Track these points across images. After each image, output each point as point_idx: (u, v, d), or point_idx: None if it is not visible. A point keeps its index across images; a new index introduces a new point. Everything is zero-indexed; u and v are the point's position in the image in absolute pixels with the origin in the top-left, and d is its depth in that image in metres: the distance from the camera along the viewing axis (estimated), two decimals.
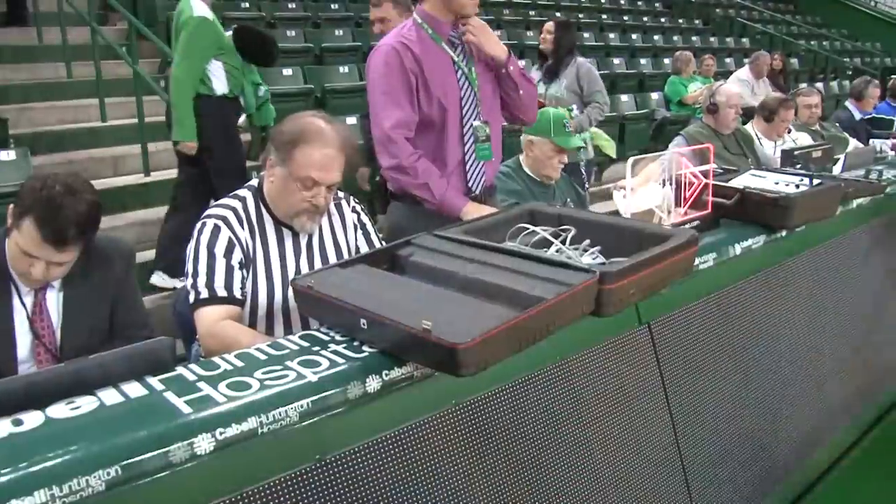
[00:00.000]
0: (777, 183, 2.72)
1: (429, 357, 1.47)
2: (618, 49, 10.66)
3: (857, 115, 6.73)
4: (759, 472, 2.47)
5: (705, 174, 2.52)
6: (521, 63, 3.16)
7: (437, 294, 1.71)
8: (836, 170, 3.90)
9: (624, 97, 8.51)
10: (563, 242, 2.07)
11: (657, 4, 15.02)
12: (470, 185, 2.80)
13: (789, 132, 5.46)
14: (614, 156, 6.02)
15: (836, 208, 2.76)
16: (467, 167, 2.79)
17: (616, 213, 2.36)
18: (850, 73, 13.27)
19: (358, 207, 2.55)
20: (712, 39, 13.43)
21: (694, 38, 12.95)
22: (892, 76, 10.33)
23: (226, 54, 4.72)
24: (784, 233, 2.61)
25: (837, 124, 6.34)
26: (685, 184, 2.45)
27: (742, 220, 2.61)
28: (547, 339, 1.59)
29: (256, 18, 8.59)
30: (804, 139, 5.59)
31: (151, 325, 2.50)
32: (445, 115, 2.73)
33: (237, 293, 2.20)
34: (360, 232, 2.52)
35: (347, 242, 2.49)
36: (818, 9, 18.33)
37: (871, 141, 5.58)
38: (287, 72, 7.34)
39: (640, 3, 14.77)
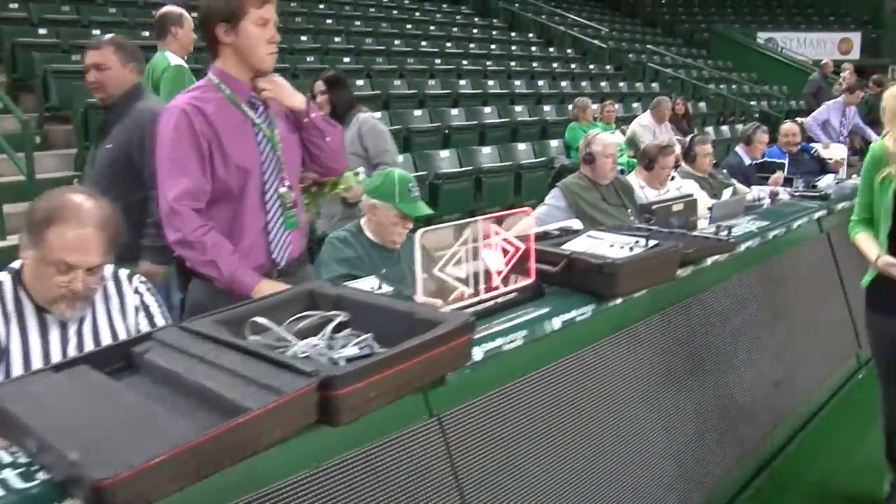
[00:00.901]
0: (612, 246, 2.51)
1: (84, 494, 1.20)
2: (524, 96, 10.60)
3: (747, 160, 6.65)
4: None
5: (525, 240, 2.31)
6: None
7: (141, 406, 1.44)
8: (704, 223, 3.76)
9: (521, 146, 8.40)
10: (337, 329, 1.82)
11: (569, 51, 15.10)
12: (274, 256, 2.53)
13: (672, 179, 5.33)
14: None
15: (673, 272, 2.55)
16: (271, 237, 2.52)
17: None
18: (757, 115, 13.46)
19: (142, 287, 2.27)
20: (622, 84, 13.51)
21: (603, 84, 13.00)
22: (794, 119, 10.46)
23: None
24: (618, 300, 2.40)
25: (725, 171, 6.25)
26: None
27: (572, 288, 2.41)
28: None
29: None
30: (689, 186, 5.47)
31: None
32: (245, 183, 2.46)
33: None
34: (142, 314, 2.24)
35: (127, 327, 2.21)
36: (728, 54, 18.72)
37: (752, 188, 5.47)
38: None
39: (551, 49, 14.83)
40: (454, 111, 9.02)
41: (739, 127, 11.96)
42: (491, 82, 10.78)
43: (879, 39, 20.75)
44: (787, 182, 5.89)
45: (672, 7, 22.29)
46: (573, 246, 2.51)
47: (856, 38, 20.66)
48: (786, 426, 3.51)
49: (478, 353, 1.94)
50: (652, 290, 2.52)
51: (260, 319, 1.72)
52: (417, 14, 13.80)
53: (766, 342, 3.44)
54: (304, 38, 10.57)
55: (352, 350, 1.73)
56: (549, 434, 2.13)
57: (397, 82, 9.51)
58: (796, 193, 5.02)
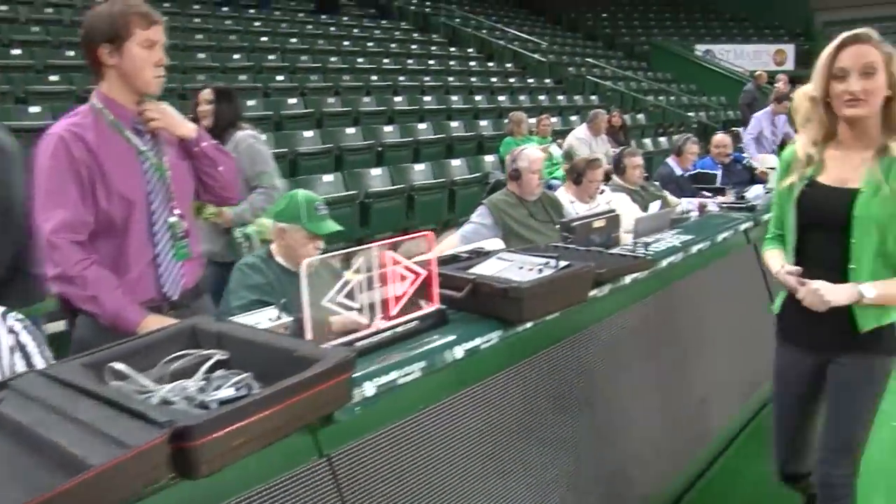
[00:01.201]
0: (521, 268, 2.43)
1: None
2: (461, 112, 10.55)
3: (678, 171, 6.66)
4: None
5: (427, 265, 2.22)
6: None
7: None
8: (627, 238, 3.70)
9: (456, 162, 8.33)
10: (212, 369, 1.71)
11: (509, 65, 15.12)
12: (165, 290, 2.40)
13: (602, 193, 5.30)
14: None
15: (585, 293, 2.47)
16: (161, 269, 2.39)
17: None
18: (695, 126, 13.62)
19: (17, 326, 2.12)
20: (561, 98, 13.56)
21: (542, 97, 13.02)
22: (729, 130, 10.57)
23: None
24: (528, 325, 2.32)
25: (657, 182, 6.25)
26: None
27: (479, 314, 2.31)
28: None
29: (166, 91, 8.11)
30: (620, 199, 5.44)
31: None
32: (130, 213, 2.33)
33: None
34: (18, 355, 2.09)
35: (2, 369, 2.06)
36: (668, 66, 18.95)
37: (681, 200, 5.45)
38: None
39: (491, 64, 14.83)
40: (388, 128, 8.92)
41: (676, 137, 12.09)
42: (428, 98, 10.71)
43: (811, 51, 21.17)
44: (719, 192, 5.90)
45: (613, 21, 22.54)
46: (481, 269, 2.43)
47: (790, 49, 21.08)
48: (710, 447, 3.47)
49: (370, 388, 1.84)
50: (565, 312, 2.44)
51: (118, 365, 1.59)
52: (356, 31, 13.70)
53: (687, 361, 3.39)
54: (237, 56, 10.40)
55: (227, 392, 1.61)
56: (450, 470, 2.02)
57: (331, 100, 9.39)
58: (724, 205, 5.00)
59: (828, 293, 2.24)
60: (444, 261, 2.60)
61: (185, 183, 2.50)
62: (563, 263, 2.38)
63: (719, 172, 7.20)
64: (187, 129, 2.45)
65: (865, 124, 2.28)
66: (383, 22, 15.20)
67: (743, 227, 4.29)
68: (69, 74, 8.29)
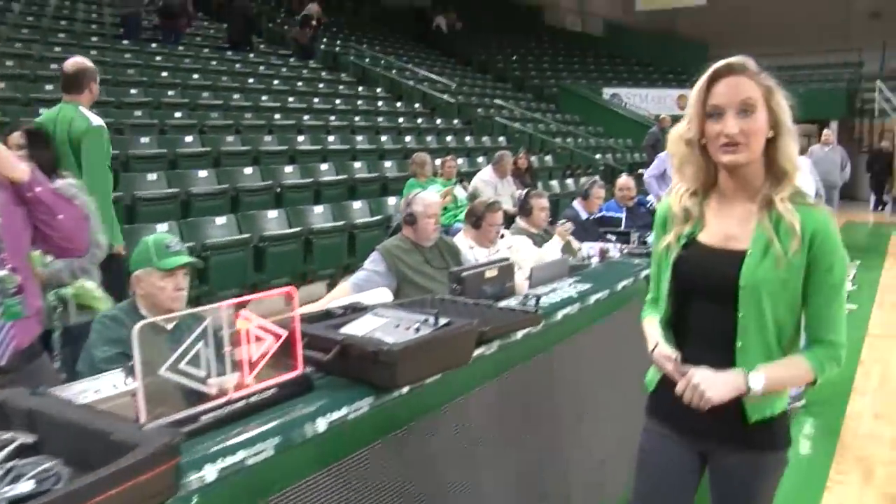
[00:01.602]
0: (397, 326, 2.22)
1: None
2: (366, 152, 10.35)
3: (584, 215, 6.61)
4: None
5: (289, 324, 1.99)
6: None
7: None
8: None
9: (357, 204, 8.12)
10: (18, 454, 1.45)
11: (417, 106, 15.04)
12: None
13: (502, 237, 5.16)
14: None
15: (468, 355, 2.27)
16: None
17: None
18: (602, 168, 13.75)
19: None
20: (468, 139, 13.52)
21: (449, 139, 12.95)
22: (634, 172, 10.67)
23: None
24: (404, 390, 2.10)
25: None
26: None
27: (350, 379, 2.09)
28: None
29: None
30: (522, 243, 5.32)
31: None
32: None
33: None
34: None
35: None
36: (576, 108, 19.22)
37: (582, 244, 5.36)
38: None
39: (399, 104, 14.73)
40: (289, 168, 8.64)
41: (583, 180, 12.17)
42: (332, 138, 10.49)
43: None
44: (624, 237, 5.83)
45: (522, 63, 22.82)
46: (353, 328, 2.21)
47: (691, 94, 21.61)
48: None
49: (211, 473, 1.59)
50: (445, 375, 2.23)
51: None
52: (262, 68, 13.41)
53: (584, 422, 3.23)
54: (134, 90, 10.02)
55: (27, 485, 1.36)
56: None
57: (230, 138, 9.07)
58: (625, 251, 4.90)
59: (709, 388, 1.87)
60: (316, 318, 2.37)
61: (20, 232, 2.22)
62: (442, 321, 2.18)
63: (623, 216, 7.18)
64: (19, 171, 2.17)
65: (747, 171, 1.95)
66: (291, 60, 14.95)
67: (644, 273, 4.17)
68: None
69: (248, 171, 8.14)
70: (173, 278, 2.97)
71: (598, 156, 14.94)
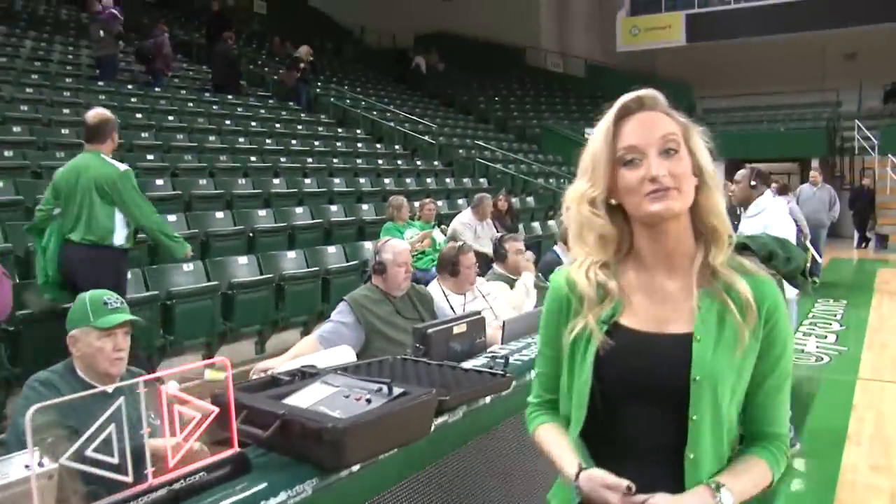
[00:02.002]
0: (347, 396, 2.00)
1: None
2: (343, 195, 10.15)
3: (565, 259, 6.41)
4: None
5: (221, 401, 1.78)
6: None
7: None
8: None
9: (332, 248, 7.90)
10: None
11: (398, 147, 14.90)
12: None
13: (479, 285, 4.94)
14: None
15: (427, 426, 2.06)
16: None
17: None
18: None
19: None
20: (449, 181, 13.37)
21: (430, 180, 12.79)
22: None
23: None
24: (354, 469, 1.87)
25: (540, 274, 5.95)
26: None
27: (293, 457, 1.86)
28: None
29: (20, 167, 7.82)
30: (499, 289, 5.12)
31: None
32: None
33: None
34: None
35: None
36: (558, 149, 19.10)
37: None
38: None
39: (379, 146, 14.57)
40: (262, 212, 8.43)
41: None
42: (308, 181, 10.29)
43: None
44: None
45: (505, 104, 22.81)
46: (298, 398, 1.99)
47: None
48: None
49: None
50: (404, 450, 2.01)
51: None
52: (240, 110, 13.25)
53: None
54: (145, 134, 9.94)
55: None
56: None
57: (203, 181, 8.87)
58: None
59: None
60: (260, 386, 2.16)
61: None
62: (397, 391, 1.96)
63: None
64: None
65: (676, 230, 1.54)
66: (270, 101, 14.81)
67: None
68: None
69: (219, 215, 7.91)
70: (112, 338, 2.75)
71: None
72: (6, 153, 7.92)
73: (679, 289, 1.56)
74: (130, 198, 5.17)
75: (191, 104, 12.59)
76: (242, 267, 6.88)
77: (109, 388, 1.94)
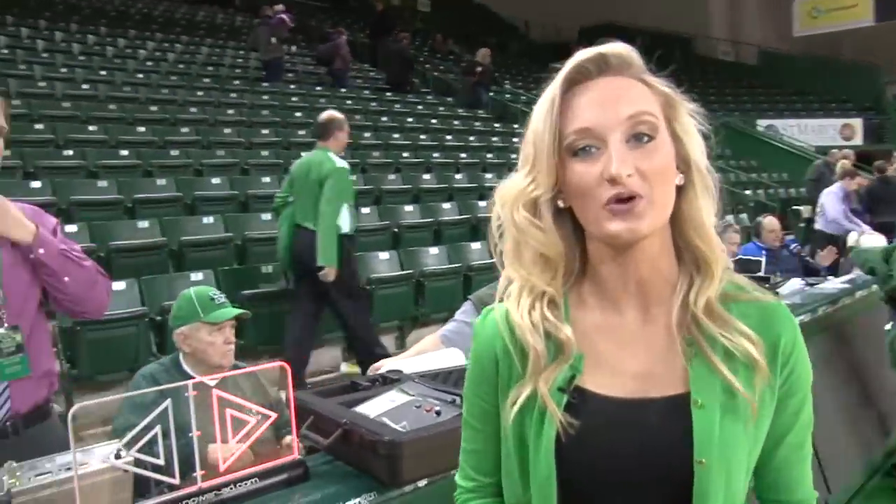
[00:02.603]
0: (418, 406, 1.90)
1: None
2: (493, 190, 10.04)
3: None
4: None
5: (278, 406, 1.73)
6: None
7: None
8: None
9: (476, 245, 7.80)
10: None
11: None
12: None
13: None
14: None
15: None
16: None
17: None
18: (752, 205, 12.90)
19: None
20: None
21: None
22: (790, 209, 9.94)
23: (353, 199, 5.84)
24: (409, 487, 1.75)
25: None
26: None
27: (354, 467, 1.78)
28: None
29: (184, 166, 8.28)
30: None
31: None
32: None
33: None
34: None
35: None
36: (730, 142, 18.18)
37: None
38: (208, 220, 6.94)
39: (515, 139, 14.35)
40: (409, 207, 8.48)
41: (729, 217, 11.42)
42: (459, 176, 10.28)
43: (882, 125, 20.29)
44: (762, 282, 5.31)
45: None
46: (368, 407, 1.90)
47: (858, 123, 20.15)
48: None
49: None
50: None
51: None
52: (419, 108, 13.56)
53: None
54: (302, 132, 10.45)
55: None
56: None
57: (392, 177, 9.29)
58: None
59: None
60: (339, 390, 2.09)
61: (23, 289, 2.10)
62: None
63: (763, 259, 6.63)
64: (22, 231, 2.06)
65: (650, 250, 1.07)
66: (428, 97, 14.95)
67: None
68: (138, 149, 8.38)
69: (365, 210, 8.01)
70: (222, 332, 2.83)
71: (747, 192, 14.01)
72: (172, 152, 8.36)
73: (663, 329, 1.09)
74: (328, 192, 5.42)
75: (374, 103, 12.95)
76: (383, 262, 6.95)
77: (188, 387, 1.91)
